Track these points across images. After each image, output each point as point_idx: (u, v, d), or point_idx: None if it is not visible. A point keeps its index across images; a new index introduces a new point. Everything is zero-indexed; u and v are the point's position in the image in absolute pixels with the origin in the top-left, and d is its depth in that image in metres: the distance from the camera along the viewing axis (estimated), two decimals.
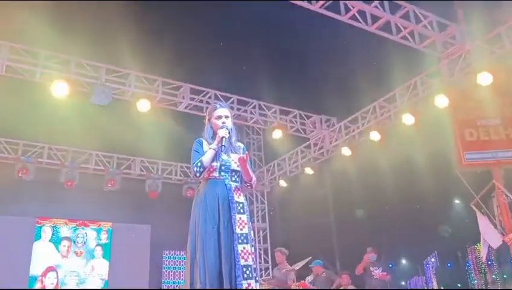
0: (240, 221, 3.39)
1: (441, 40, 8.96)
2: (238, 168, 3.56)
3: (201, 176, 3.48)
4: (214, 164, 3.50)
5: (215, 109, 3.72)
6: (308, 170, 12.53)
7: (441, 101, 9.24)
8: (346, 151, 11.45)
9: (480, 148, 9.61)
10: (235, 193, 3.48)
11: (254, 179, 3.67)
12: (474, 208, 9.42)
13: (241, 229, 3.36)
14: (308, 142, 12.64)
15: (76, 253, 13.19)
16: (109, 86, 9.48)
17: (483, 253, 10.02)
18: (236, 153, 3.60)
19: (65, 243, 13.10)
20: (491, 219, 9.27)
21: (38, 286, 12.37)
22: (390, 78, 9.92)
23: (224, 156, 3.53)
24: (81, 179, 11.95)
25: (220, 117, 3.65)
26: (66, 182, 11.72)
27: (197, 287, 3.22)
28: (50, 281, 12.60)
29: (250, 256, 3.33)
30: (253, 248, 3.43)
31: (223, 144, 3.49)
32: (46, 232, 12.95)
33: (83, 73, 9.45)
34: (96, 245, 13.51)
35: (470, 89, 9.15)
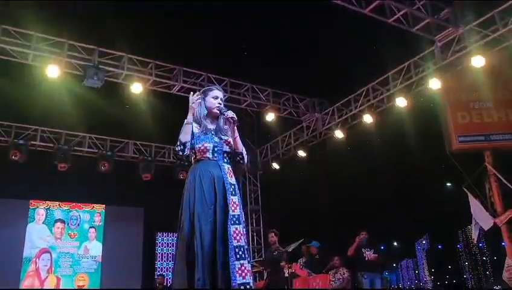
0: (233, 202, 3.40)
1: (435, 23, 8.94)
2: (229, 150, 3.58)
3: (184, 153, 3.48)
4: (208, 145, 3.50)
5: (213, 90, 3.73)
6: (301, 153, 12.57)
7: (434, 84, 9.27)
8: (339, 134, 11.50)
9: (473, 131, 9.65)
10: (228, 174, 3.49)
11: (244, 151, 3.67)
12: (466, 190, 9.51)
13: (234, 211, 3.38)
14: (301, 125, 12.66)
15: (70, 235, 13.25)
16: (102, 69, 9.43)
17: (474, 235, 10.11)
18: (226, 135, 3.60)
19: (59, 225, 13.16)
20: (482, 202, 9.36)
21: (32, 267, 12.43)
22: (384, 61, 9.92)
23: (216, 138, 3.54)
24: (74, 161, 11.90)
25: (216, 97, 3.67)
26: (59, 165, 11.67)
27: (196, 270, 3.22)
28: (44, 263, 12.67)
29: (242, 237, 3.35)
30: (244, 229, 3.45)
31: (234, 121, 3.52)
32: (40, 214, 12.99)
33: (75, 55, 9.38)
34: (90, 227, 13.58)
35: (463, 72, 9.18)
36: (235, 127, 3.58)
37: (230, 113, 3.56)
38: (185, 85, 10.39)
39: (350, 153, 12.09)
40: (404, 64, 10.04)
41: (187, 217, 3.38)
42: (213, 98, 3.67)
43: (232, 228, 3.32)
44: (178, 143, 3.46)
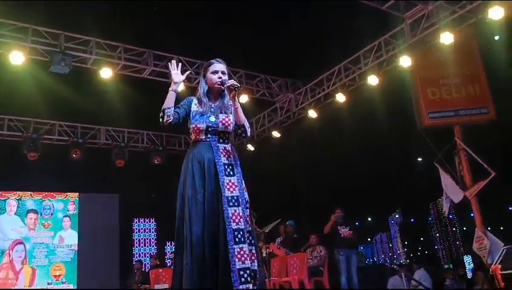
0: (230, 183, 3.29)
1: (404, 0, 8.99)
2: (226, 130, 3.44)
3: (165, 121, 3.32)
4: (200, 125, 3.38)
5: (211, 64, 3.56)
6: (276, 133, 12.60)
7: (405, 62, 9.36)
8: (312, 113, 11.54)
9: (443, 106, 9.84)
10: (222, 155, 3.36)
11: (247, 123, 3.55)
12: (437, 165, 9.71)
13: (232, 192, 3.26)
14: (275, 106, 12.65)
15: (43, 225, 13.04)
16: (69, 54, 9.19)
17: (445, 208, 10.40)
18: (226, 113, 3.46)
19: (31, 215, 12.93)
20: (453, 176, 9.59)
21: (6, 259, 12.23)
22: (355, 39, 9.94)
23: (212, 118, 3.40)
24: (44, 150, 11.67)
25: (216, 72, 3.50)
26: (29, 154, 11.43)
27: (184, 255, 3.15)
28: (18, 254, 12.47)
29: (241, 219, 3.21)
30: (247, 211, 3.33)
31: (236, 88, 3.37)
32: (11, 205, 12.73)
33: (40, 41, 9.11)
34: (64, 216, 13.38)
35: (432, 49, 9.29)
36: (237, 97, 3.43)
37: (230, 82, 3.43)
38: (156, 69, 10.21)
39: (323, 133, 12.17)
40: (375, 43, 10.08)
41: (180, 202, 3.30)
42: (212, 73, 3.52)
43: (231, 210, 3.20)
44: (161, 111, 3.33)
